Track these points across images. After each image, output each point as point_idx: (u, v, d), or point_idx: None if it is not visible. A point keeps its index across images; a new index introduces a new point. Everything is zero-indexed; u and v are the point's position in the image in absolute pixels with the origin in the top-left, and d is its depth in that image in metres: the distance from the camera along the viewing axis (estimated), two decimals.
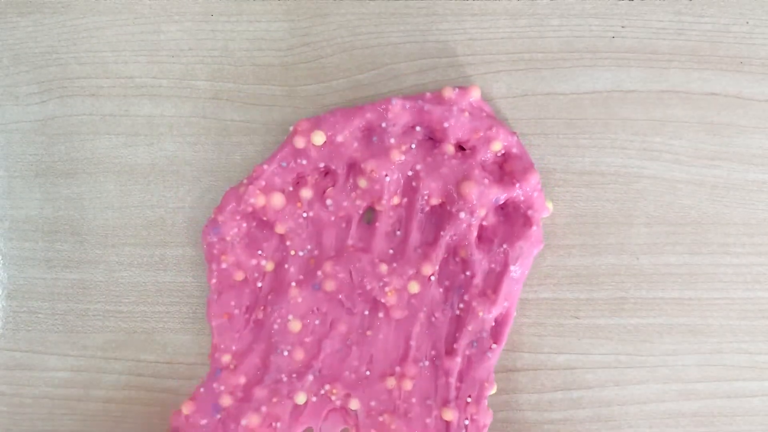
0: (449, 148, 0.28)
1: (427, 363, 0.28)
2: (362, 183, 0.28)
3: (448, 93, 0.28)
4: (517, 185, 0.28)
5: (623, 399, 0.30)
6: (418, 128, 0.28)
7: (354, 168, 0.29)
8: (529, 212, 0.28)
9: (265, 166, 0.28)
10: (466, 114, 0.28)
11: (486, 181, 0.28)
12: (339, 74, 0.30)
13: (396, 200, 0.28)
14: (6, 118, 0.31)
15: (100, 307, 0.31)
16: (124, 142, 0.30)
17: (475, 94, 0.28)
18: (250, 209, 0.28)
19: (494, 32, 0.29)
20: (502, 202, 0.28)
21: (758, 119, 0.29)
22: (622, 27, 0.29)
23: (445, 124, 0.28)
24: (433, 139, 0.29)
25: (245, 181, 0.29)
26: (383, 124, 0.28)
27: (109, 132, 0.30)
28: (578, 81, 0.29)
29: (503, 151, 0.29)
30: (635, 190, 0.29)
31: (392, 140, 0.28)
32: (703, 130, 0.29)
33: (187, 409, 0.28)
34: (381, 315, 0.28)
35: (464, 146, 0.29)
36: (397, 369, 0.28)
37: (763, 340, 0.30)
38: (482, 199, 0.27)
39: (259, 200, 0.28)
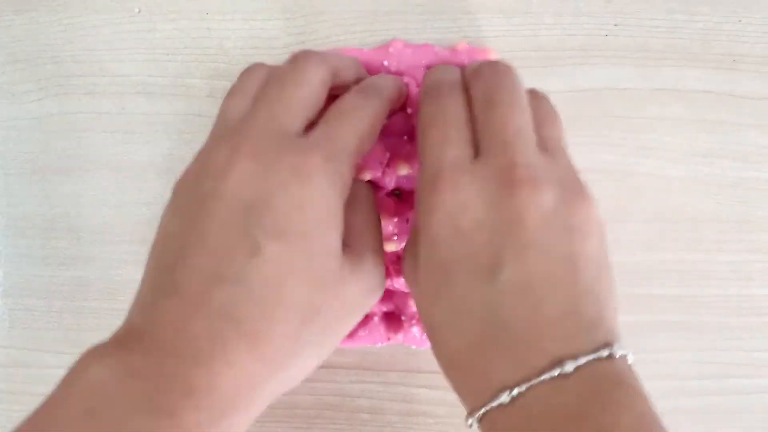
0: None
1: None
2: None
3: (462, 46, 0.28)
4: None
5: None
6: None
7: None
8: None
9: None
10: None
11: None
12: None
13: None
14: (2, 116, 0.31)
15: (97, 304, 0.31)
16: (120, 140, 0.30)
17: (491, 57, 0.28)
18: None
19: (488, 30, 0.30)
20: None
21: (752, 116, 0.29)
22: (615, 25, 0.29)
23: None
24: None
25: None
26: (385, 63, 0.28)
27: (105, 130, 0.30)
28: (572, 79, 0.29)
29: None
30: (630, 187, 0.30)
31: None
32: (696, 127, 0.29)
33: None
34: None
35: None
36: None
37: (759, 337, 0.30)
38: None
39: None
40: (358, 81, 0.24)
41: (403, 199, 0.28)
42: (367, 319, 0.28)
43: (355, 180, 0.22)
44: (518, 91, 0.21)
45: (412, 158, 0.27)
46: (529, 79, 0.29)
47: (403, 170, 0.27)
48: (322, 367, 0.30)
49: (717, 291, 0.30)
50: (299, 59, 0.22)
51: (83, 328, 0.31)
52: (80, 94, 0.30)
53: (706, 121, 0.29)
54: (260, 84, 0.22)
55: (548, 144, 0.21)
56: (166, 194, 0.30)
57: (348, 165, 0.20)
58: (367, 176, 0.27)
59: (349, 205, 0.21)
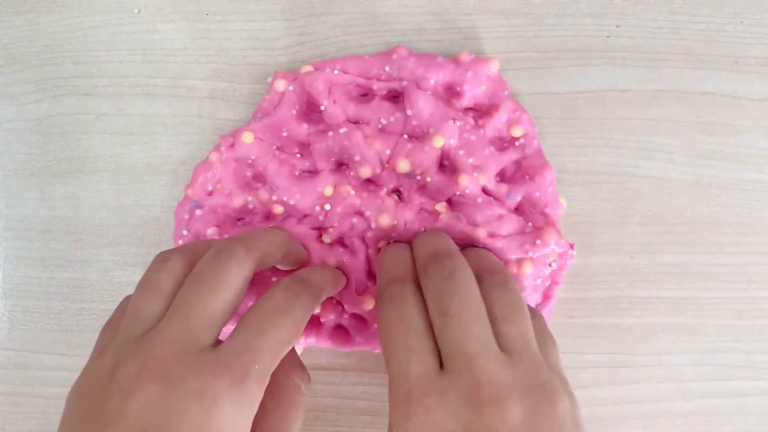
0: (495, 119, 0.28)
1: None
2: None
3: (464, 56, 0.28)
4: (537, 179, 0.28)
5: (618, 398, 0.30)
6: (431, 81, 0.28)
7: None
8: (546, 210, 0.28)
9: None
10: (483, 87, 0.28)
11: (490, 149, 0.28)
12: None
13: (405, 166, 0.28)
14: (1, 117, 0.31)
15: (95, 306, 0.31)
16: (119, 141, 0.30)
17: (493, 67, 0.28)
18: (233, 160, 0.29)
19: (489, 31, 0.29)
20: (519, 200, 0.28)
21: (753, 118, 0.29)
22: (617, 26, 0.29)
23: (463, 88, 0.28)
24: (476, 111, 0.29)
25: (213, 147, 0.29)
26: (387, 68, 0.28)
27: (104, 131, 0.30)
28: (573, 80, 0.29)
29: (523, 140, 0.28)
30: (630, 189, 0.29)
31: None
32: (697, 129, 0.29)
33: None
34: None
35: (481, 115, 0.29)
36: None
37: (758, 339, 0.30)
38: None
39: (247, 137, 0.28)
40: (291, 258, 0.25)
41: (403, 198, 0.28)
42: (366, 325, 0.28)
43: (282, 380, 0.23)
44: (469, 295, 0.21)
45: (412, 156, 0.27)
46: (529, 80, 0.29)
47: (404, 168, 0.27)
48: (322, 369, 0.30)
49: (716, 293, 0.30)
50: (222, 254, 0.21)
51: (82, 330, 0.31)
52: (79, 95, 0.30)
53: (706, 123, 0.29)
54: (175, 281, 0.21)
55: (511, 343, 0.21)
56: (166, 196, 0.30)
57: (261, 378, 0.20)
58: (368, 173, 0.27)
59: (269, 402, 0.21)
